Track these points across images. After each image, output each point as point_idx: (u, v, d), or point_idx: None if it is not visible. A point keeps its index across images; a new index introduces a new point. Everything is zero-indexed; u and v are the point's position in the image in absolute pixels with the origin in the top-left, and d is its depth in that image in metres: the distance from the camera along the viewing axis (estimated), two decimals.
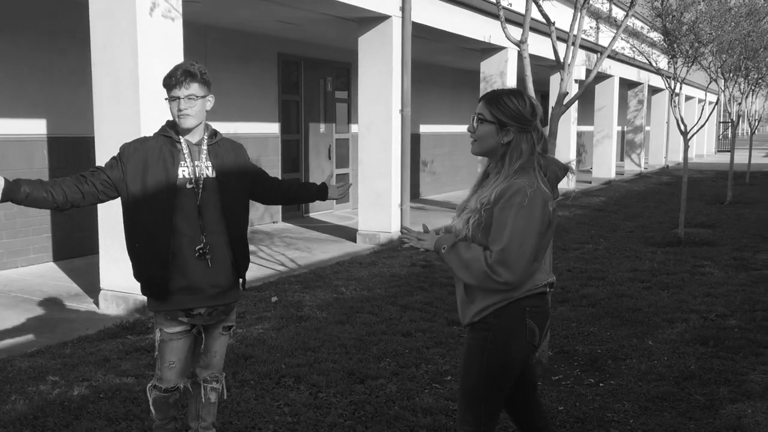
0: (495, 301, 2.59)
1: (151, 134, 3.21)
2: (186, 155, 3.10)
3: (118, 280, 6.03)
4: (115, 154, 3.14)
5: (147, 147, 3.10)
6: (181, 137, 3.12)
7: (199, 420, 3.38)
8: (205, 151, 3.14)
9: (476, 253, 2.54)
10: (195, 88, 3.04)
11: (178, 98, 3.03)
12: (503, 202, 2.50)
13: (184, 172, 3.08)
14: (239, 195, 3.21)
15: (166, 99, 3.10)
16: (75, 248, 8.53)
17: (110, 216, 5.95)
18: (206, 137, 3.17)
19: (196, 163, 3.10)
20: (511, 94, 2.60)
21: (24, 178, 2.99)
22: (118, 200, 3.17)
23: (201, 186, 3.09)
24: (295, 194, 3.62)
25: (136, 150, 3.10)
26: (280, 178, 3.47)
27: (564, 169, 2.71)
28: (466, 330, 2.76)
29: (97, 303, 6.31)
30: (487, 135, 2.61)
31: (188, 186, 3.07)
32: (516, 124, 2.57)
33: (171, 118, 3.16)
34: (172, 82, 3.03)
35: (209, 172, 3.12)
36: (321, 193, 3.64)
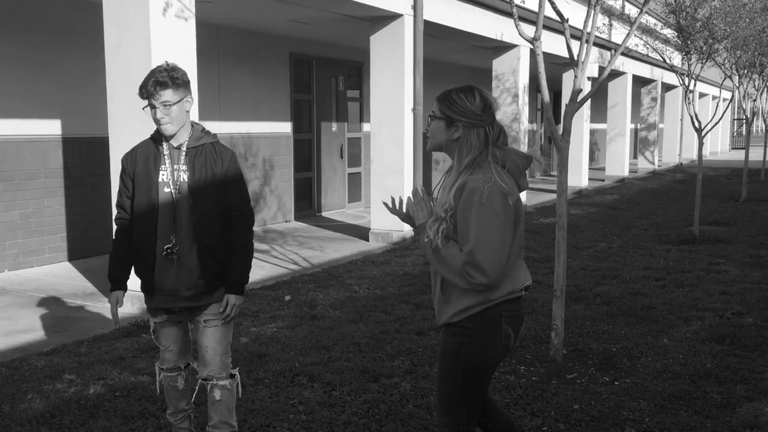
0: (473, 303, 2.58)
1: (145, 140, 3.36)
2: (166, 158, 3.18)
3: (132, 279, 6.05)
4: (119, 170, 3.31)
5: (138, 152, 3.26)
6: (163, 141, 3.21)
7: (209, 418, 3.35)
8: (183, 155, 3.18)
9: (453, 252, 2.53)
10: (168, 95, 3.06)
11: (155, 107, 3.09)
12: (462, 203, 2.50)
13: (163, 175, 3.17)
14: (210, 203, 3.17)
15: (143, 108, 3.17)
16: (89, 248, 8.58)
17: None
18: (187, 141, 3.19)
19: (175, 166, 3.17)
20: (461, 91, 2.61)
21: (121, 266, 3.32)
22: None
23: (177, 190, 3.16)
24: (227, 258, 3.23)
25: (131, 157, 3.26)
26: (240, 230, 3.24)
27: (525, 159, 2.68)
28: (441, 330, 2.73)
29: None
30: (435, 130, 2.65)
31: (166, 189, 3.16)
32: (464, 119, 2.57)
33: None
34: (143, 93, 3.09)
35: (184, 177, 3.17)
36: (227, 288, 3.24)
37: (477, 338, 2.60)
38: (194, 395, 3.41)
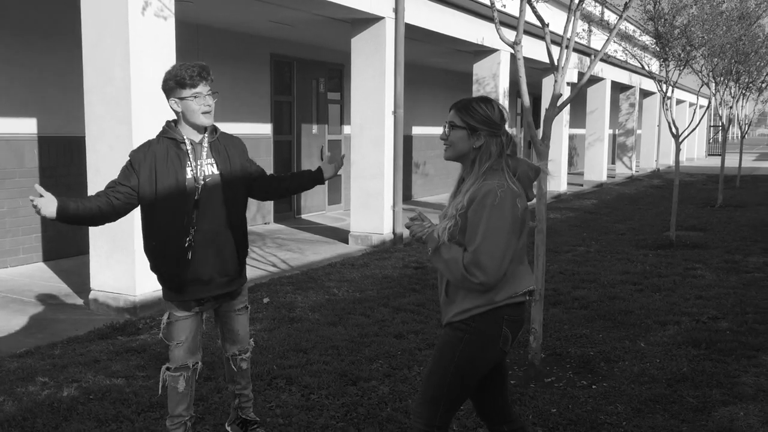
0: (476, 304, 2.66)
1: (154, 138, 3.28)
2: (190, 155, 3.19)
3: (109, 280, 5.98)
4: (125, 163, 3.23)
5: (154, 151, 3.18)
6: (185, 137, 3.19)
7: (235, 384, 3.62)
8: (206, 149, 3.24)
9: (455, 254, 2.63)
10: (211, 84, 3.13)
11: (201, 95, 3.09)
12: (475, 204, 2.60)
13: (190, 172, 3.19)
14: (240, 187, 3.33)
15: (177, 99, 3.12)
16: (65, 248, 8.47)
17: None
18: (207, 134, 3.25)
19: (198, 161, 3.20)
20: (481, 101, 2.72)
21: (66, 197, 3.26)
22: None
23: (202, 183, 3.19)
24: (290, 188, 3.63)
25: (145, 156, 3.17)
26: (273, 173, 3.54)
27: (534, 170, 2.78)
28: (443, 328, 2.80)
29: (87, 303, 6.26)
30: (459, 140, 2.72)
31: (193, 185, 3.19)
32: (486, 128, 2.68)
33: (171, 119, 3.27)
34: (192, 80, 3.06)
35: (213, 169, 3.24)
36: (317, 179, 3.56)
37: (477, 337, 2.69)
38: (225, 371, 3.62)
